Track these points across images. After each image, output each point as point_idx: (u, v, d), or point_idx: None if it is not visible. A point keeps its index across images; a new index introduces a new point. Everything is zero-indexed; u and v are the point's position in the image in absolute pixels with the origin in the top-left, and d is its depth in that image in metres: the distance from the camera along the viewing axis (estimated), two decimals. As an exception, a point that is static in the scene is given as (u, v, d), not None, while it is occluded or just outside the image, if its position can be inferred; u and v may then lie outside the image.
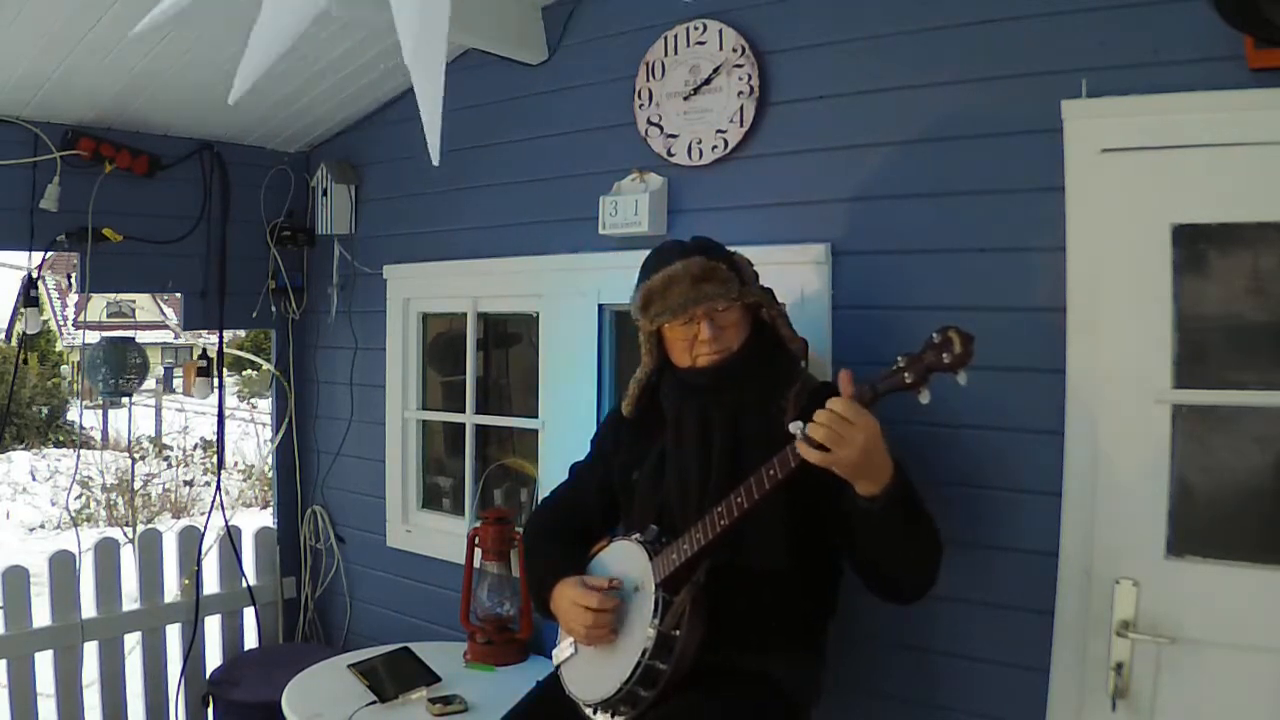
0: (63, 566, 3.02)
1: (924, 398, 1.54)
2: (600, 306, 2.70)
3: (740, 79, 2.37)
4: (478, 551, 2.85)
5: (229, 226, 3.35)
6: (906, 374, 1.54)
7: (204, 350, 3.45)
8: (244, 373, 17.72)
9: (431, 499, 3.34)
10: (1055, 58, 1.94)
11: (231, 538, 3.47)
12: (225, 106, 3.05)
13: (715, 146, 2.43)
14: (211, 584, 3.41)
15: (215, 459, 6.04)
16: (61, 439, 15.39)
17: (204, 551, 3.36)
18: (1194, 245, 1.83)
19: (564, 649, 1.95)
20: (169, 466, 11.20)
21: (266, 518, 4.02)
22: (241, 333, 6.58)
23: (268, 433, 4.12)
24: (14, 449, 13.68)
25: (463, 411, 3.14)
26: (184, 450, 11.94)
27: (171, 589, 3.37)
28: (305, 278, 3.59)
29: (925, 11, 2.12)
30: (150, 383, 13.82)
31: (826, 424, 1.55)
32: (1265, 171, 1.73)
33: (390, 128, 3.29)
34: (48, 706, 2.96)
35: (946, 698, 2.11)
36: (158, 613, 3.28)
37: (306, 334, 3.62)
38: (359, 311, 3.42)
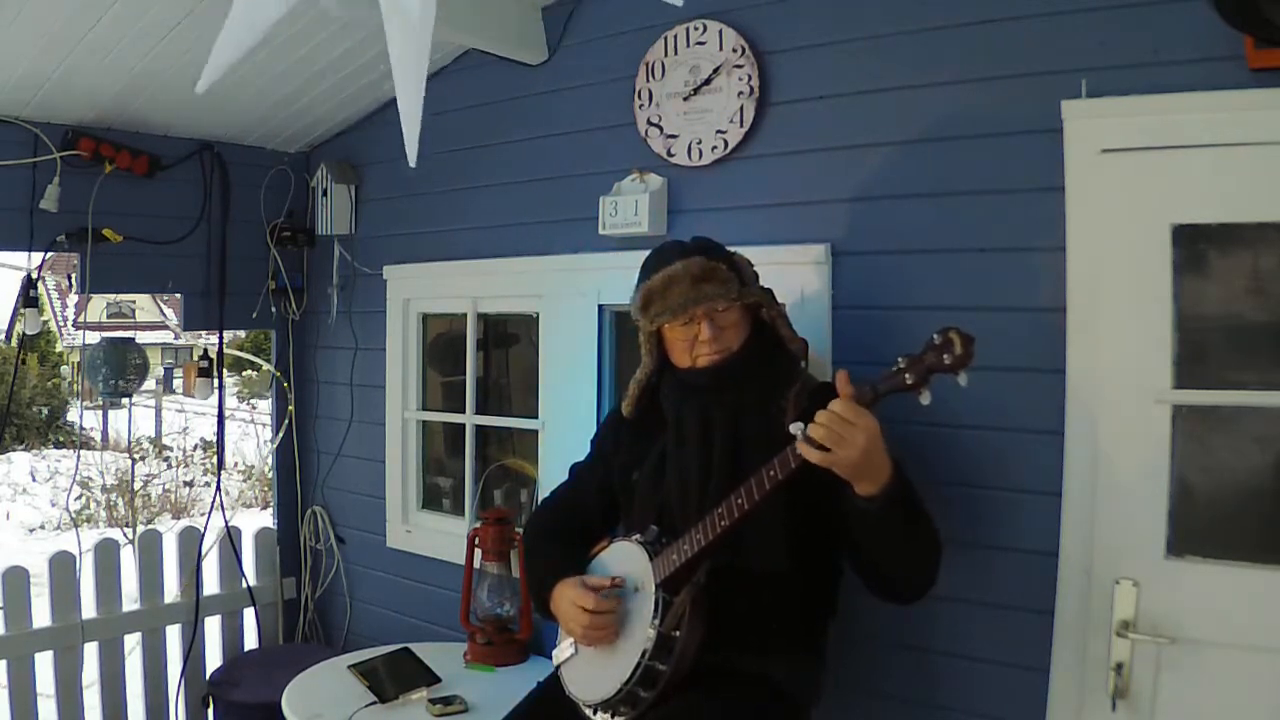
0: (63, 567, 3.02)
1: (924, 399, 1.54)
2: (600, 307, 2.70)
3: (740, 79, 2.37)
4: (478, 552, 2.85)
5: (229, 227, 3.35)
6: (907, 375, 1.54)
7: (205, 350, 3.45)
8: (244, 373, 17.71)
9: (431, 499, 3.34)
10: (1055, 58, 1.94)
11: (231, 538, 3.46)
12: (225, 107, 3.08)
13: (715, 147, 2.43)
14: (211, 585, 3.41)
15: (215, 459, 6.04)
16: (61, 439, 15.40)
17: (204, 552, 3.36)
18: (1194, 245, 1.83)
19: (564, 649, 1.95)
20: (169, 467, 11.20)
21: (266, 518, 4.02)
22: (241, 333, 6.58)
23: (268, 433, 4.12)
24: (14, 449, 13.68)
25: (463, 412, 3.14)
26: (184, 451, 11.94)
27: (171, 590, 3.37)
28: (305, 278, 3.59)
29: (925, 11, 2.12)
30: (150, 383, 13.83)
31: (827, 424, 1.55)
32: (1265, 171, 1.73)
33: (390, 128, 3.24)
34: (48, 707, 2.96)
35: (946, 698, 2.11)
36: (158, 613, 3.27)
37: (306, 334, 3.62)
38: (359, 312, 3.42)
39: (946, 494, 2.00)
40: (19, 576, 2.95)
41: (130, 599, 3.24)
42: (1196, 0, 1.74)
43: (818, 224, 2.28)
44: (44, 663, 2.98)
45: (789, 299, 2.22)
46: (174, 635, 3.34)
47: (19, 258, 2.93)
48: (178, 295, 3.38)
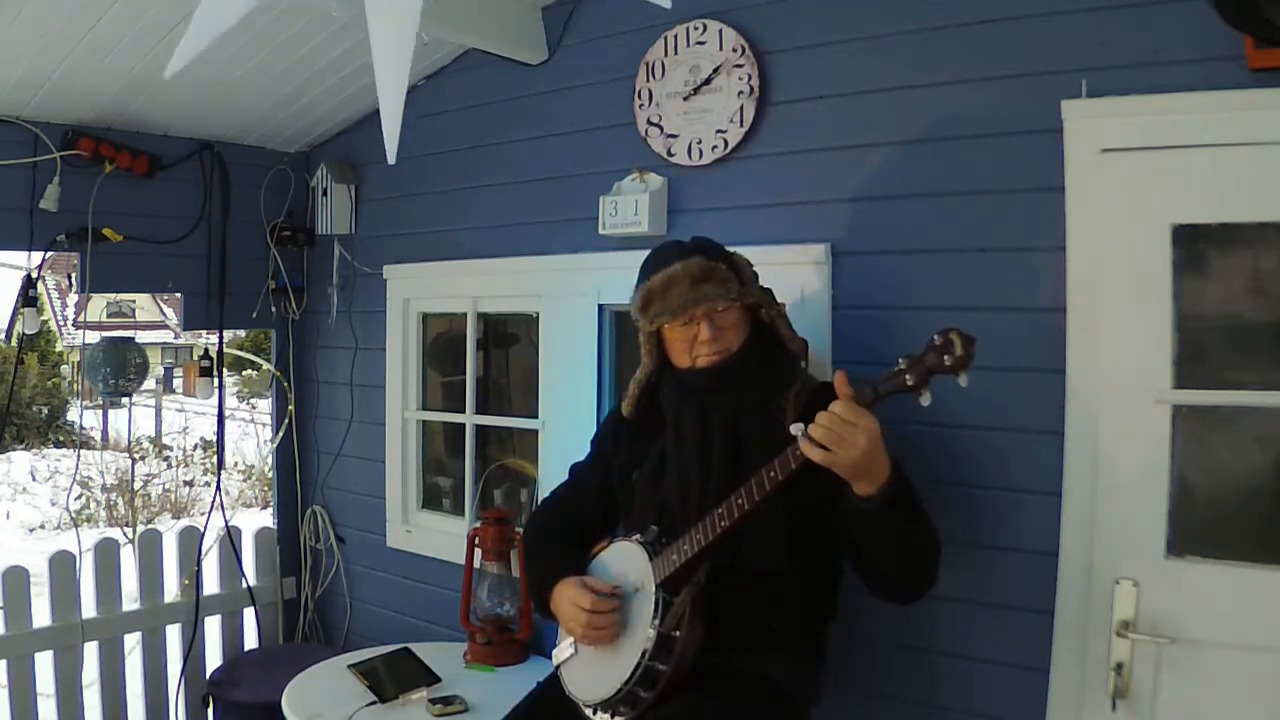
0: (63, 567, 3.02)
1: (925, 400, 1.54)
2: (600, 306, 2.70)
3: (740, 79, 2.37)
4: (478, 552, 2.85)
5: (229, 226, 3.35)
6: (908, 376, 1.54)
7: (206, 350, 3.45)
8: (244, 373, 17.71)
9: (431, 499, 3.34)
10: (1055, 58, 1.94)
11: (231, 538, 3.46)
12: (225, 106, 3.09)
13: (715, 146, 2.43)
14: (211, 584, 3.41)
15: (215, 459, 6.04)
16: (61, 439, 15.39)
17: (204, 552, 3.36)
18: (1194, 245, 1.83)
19: (564, 649, 1.95)
20: (169, 467, 11.21)
21: (266, 518, 4.02)
22: (241, 333, 6.58)
23: (268, 433, 4.12)
24: (14, 449, 13.68)
25: (463, 412, 3.14)
26: (184, 450, 11.95)
27: (171, 589, 3.37)
28: (305, 278, 3.59)
29: (925, 11, 2.12)
30: (150, 383, 13.83)
31: (827, 425, 1.55)
32: (1265, 171, 1.73)
33: (390, 128, 3.28)
34: (48, 706, 2.96)
35: (946, 698, 2.11)
36: (158, 613, 3.28)
37: (306, 334, 3.62)
38: (359, 311, 3.42)
39: (946, 494, 2.00)
40: (19, 576, 2.95)
41: (130, 599, 3.24)
42: (1196, 0, 1.74)
43: (818, 224, 2.28)
44: (44, 663, 2.98)
45: (789, 299, 2.22)
46: (174, 635, 3.34)
47: (19, 257, 2.94)
48: (178, 295, 3.38)
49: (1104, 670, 1.85)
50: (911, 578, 1.78)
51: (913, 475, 1.72)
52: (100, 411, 14.62)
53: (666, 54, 2.51)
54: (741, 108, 2.37)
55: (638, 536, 1.89)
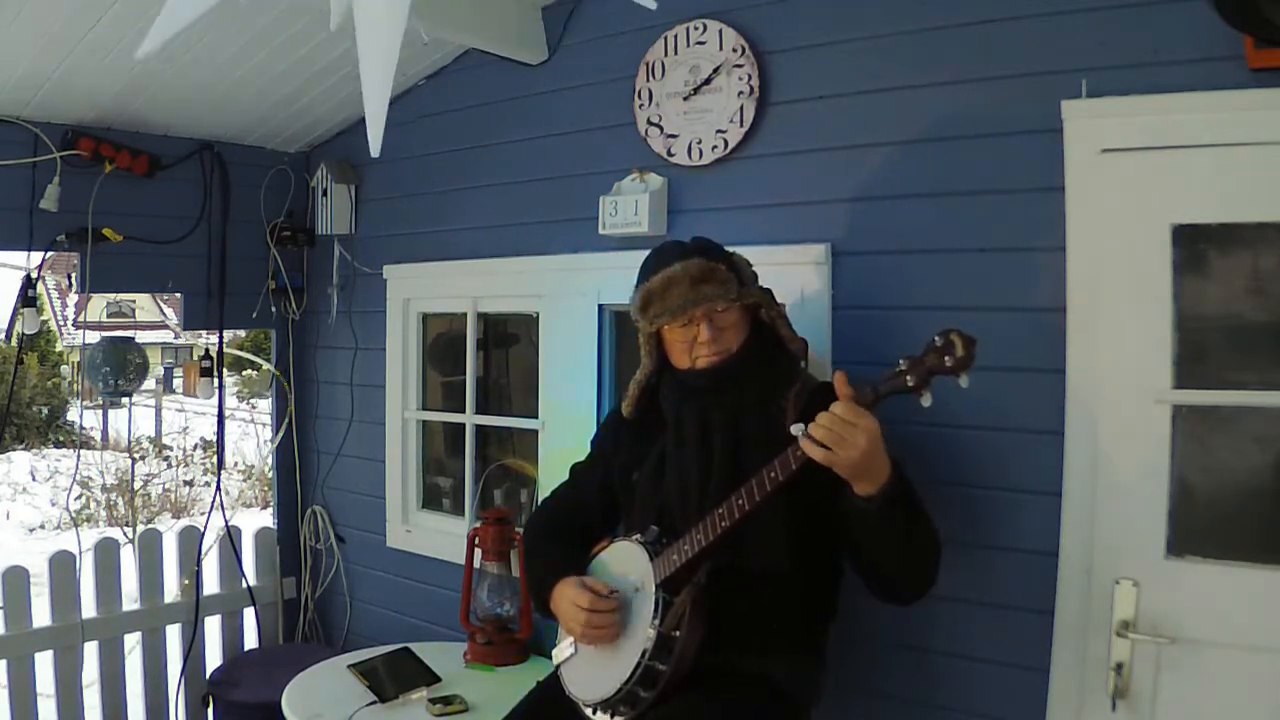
0: (63, 566, 3.02)
1: (925, 401, 1.54)
2: (600, 306, 2.70)
3: (740, 79, 2.37)
4: (478, 552, 2.85)
5: (229, 226, 3.35)
6: (908, 377, 1.55)
7: (206, 350, 3.45)
8: (244, 373, 17.72)
9: (431, 499, 3.34)
10: (1055, 58, 1.94)
11: (231, 538, 3.46)
12: (225, 106, 3.09)
13: (715, 146, 2.43)
14: (211, 584, 3.41)
15: (215, 459, 6.04)
16: (61, 439, 15.40)
17: (204, 552, 3.36)
18: (1194, 245, 1.83)
19: (564, 649, 1.95)
20: (169, 466, 11.21)
21: (266, 518, 4.02)
22: (241, 333, 6.58)
23: (268, 433, 4.12)
24: (14, 449, 13.68)
25: (463, 412, 3.14)
26: (184, 450, 11.95)
27: (171, 589, 3.37)
28: (305, 278, 3.59)
29: (925, 11, 2.12)
30: (150, 383, 13.84)
31: (828, 426, 1.55)
32: (1265, 171, 1.73)
33: (390, 128, 3.20)
34: (48, 706, 2.96)
35: (946, 698, 2.11)
36: (158, 613, 3.28)
37: (306, 334, 3.62)
38: (359, 311, 3.42)
39: (946, 494, 2.00)
40: (19, 576, 2.95)
41: (130, 599, 3.24)
42: (1196, 0, 1.74)
43: (818, 224, 2.28)
44: (44, 662, 2.98)
45: (789, 299, 2.22)
46: (174, 635, 3.34)
47: (19, 257, 2.94)
48: (178, 295, 3.38)
49: (1104, 670, 1.85)
50: (912, 578, 1.78)
51: (913, 475, 1.72)
52: (100, 411, 14.62)
53: (666, 54, 2.51)
54: (741, 108, 2.37)
55: (638, 536, 1.89)
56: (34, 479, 11.68)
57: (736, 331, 1.90)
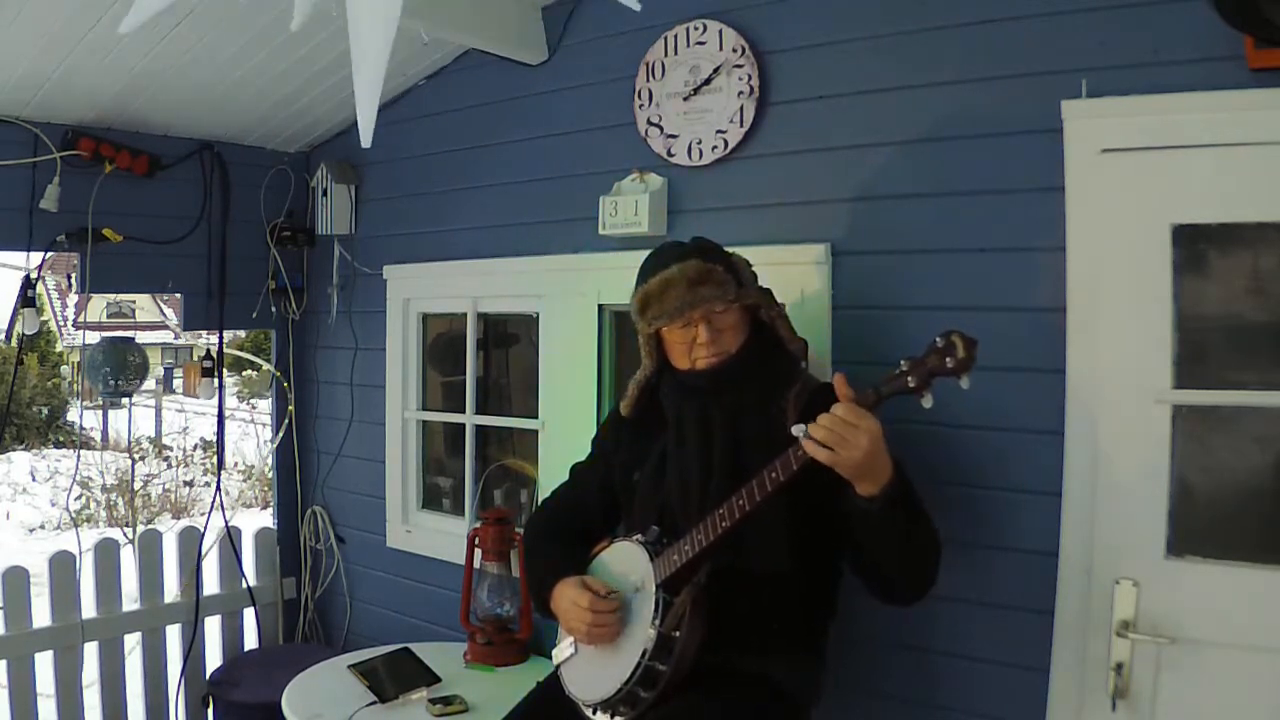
0: (63, 567, 3.02)
1: (926, 402, 1.54)
2: (600, 307, 2.70)
3: (740, 79, 2.37)
4: (478, 552, 2.85)
5: (229, 226, 3.35)
6: (909, 378, 1.54)
7: (207, 350, 3.45)
8: (244, 373, 17.72)
9: (431, 499, 3.34)
10: (1055, 58, 1.94)
11: (231, 538, 3.46)
12: (225, 106, 3.08)
13: (715, 147, 2.43)
14: (211, 584, 3.41)
15: (215, 459, 6.04)
16: (61, 439, 15.40)
17: (204, 552, 3.36)
18: (1194, 245, 1.83)
19: (564, 649, 1.95)
20: (169, 467, 11.21)
21: (266, 518, 4.02)
22: (241, 333, 6.58)
23: (268, 433, 4.12)
24: (14, 449, 13.69)
25: (463, 412, 3.14)
26: (184, 450, 11.95)
27: (171, 589, 3.36)
28: (305, 278, 3.59)
29: (925, 11, 2.12)
30: (150, 383, 13.83)
31: (829, 426, 1.55)
32: (1265, 171, 1.73)
33: (390, 128, 3.27)
34: (48, 707, 2.96)
35: (946, 698, 2.11)
36: (158, 613, 3.27)
37: (306, 334, 3.62)
38: (359, 312, 3.42)
39: (946, 494, 2.00)
40: (19, 576, 2.95)
41: (130, 599, 3.24)
42: (1196, 0, 1.74)
43: (818, 224, 2.28)
44: (44, 663, 2.97)
45: (789, 299, 2.22)
46: (174, 635, 3.34)
47: (19, 258, 2.93)
48: (178, 295, 3.38)
49: (1104, 670, 1.85)
50: (912, 578, 1.77)
51: (913, 475, 1.72)
52: (100, 412, 14.62)
53: (666, 54, 2.51)
54: (741, 108, 2.37)
55: (639, 536, 1.89)
56: (34, 479, 11.68)
57: (736, 332, 1.89)
